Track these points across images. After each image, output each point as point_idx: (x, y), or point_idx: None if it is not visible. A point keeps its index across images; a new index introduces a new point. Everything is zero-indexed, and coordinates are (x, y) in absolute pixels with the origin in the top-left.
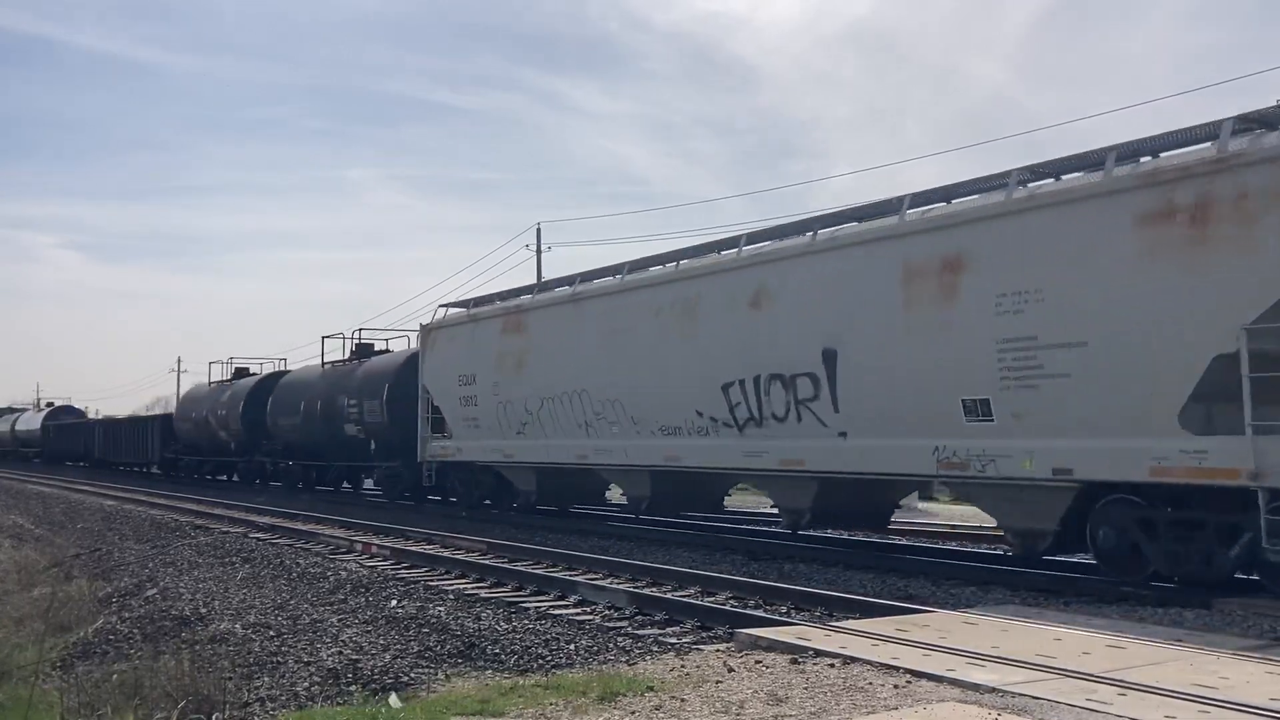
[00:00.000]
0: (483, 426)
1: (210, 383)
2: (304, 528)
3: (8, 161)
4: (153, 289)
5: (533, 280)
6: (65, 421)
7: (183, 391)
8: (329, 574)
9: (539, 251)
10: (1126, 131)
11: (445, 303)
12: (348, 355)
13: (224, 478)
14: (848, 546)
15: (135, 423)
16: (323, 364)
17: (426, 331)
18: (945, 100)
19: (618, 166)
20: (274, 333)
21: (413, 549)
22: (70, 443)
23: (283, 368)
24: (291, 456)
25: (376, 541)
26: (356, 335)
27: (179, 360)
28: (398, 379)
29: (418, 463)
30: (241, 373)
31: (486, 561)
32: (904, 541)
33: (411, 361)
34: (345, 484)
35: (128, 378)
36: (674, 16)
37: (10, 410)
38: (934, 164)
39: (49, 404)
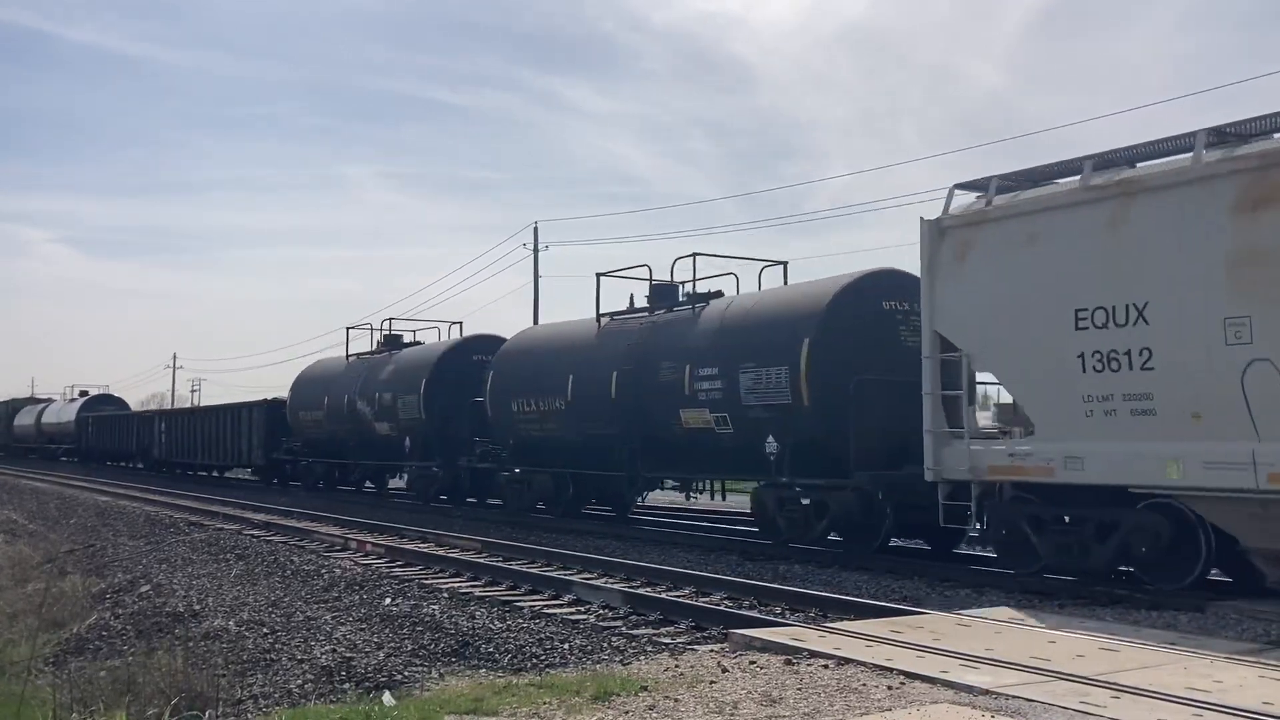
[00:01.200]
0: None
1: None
2: (299, 525)
3: (1, 156)
4: (147, 285)
5: (529, 277)
6: (106, 412)
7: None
8: (323, 571)
9: (536, 250)
10: (1122, 135)
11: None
12: (375, 347)
13: (371, 487)
14: (842, 548)
15: (220, 413)
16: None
17: (943, 232)
18: (941, 102)
19: (614, 166)
20: (271, 330)
21: (407, 547)
22: (115, 438)
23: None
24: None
25: (371, 539)
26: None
27: (174, 356)
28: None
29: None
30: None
31: (481, 560)
32: (899, 543)
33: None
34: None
35: (123, 374)
36: (670, 16)
37: (32, 401)
38: (930, 166)
39: (82, 392)
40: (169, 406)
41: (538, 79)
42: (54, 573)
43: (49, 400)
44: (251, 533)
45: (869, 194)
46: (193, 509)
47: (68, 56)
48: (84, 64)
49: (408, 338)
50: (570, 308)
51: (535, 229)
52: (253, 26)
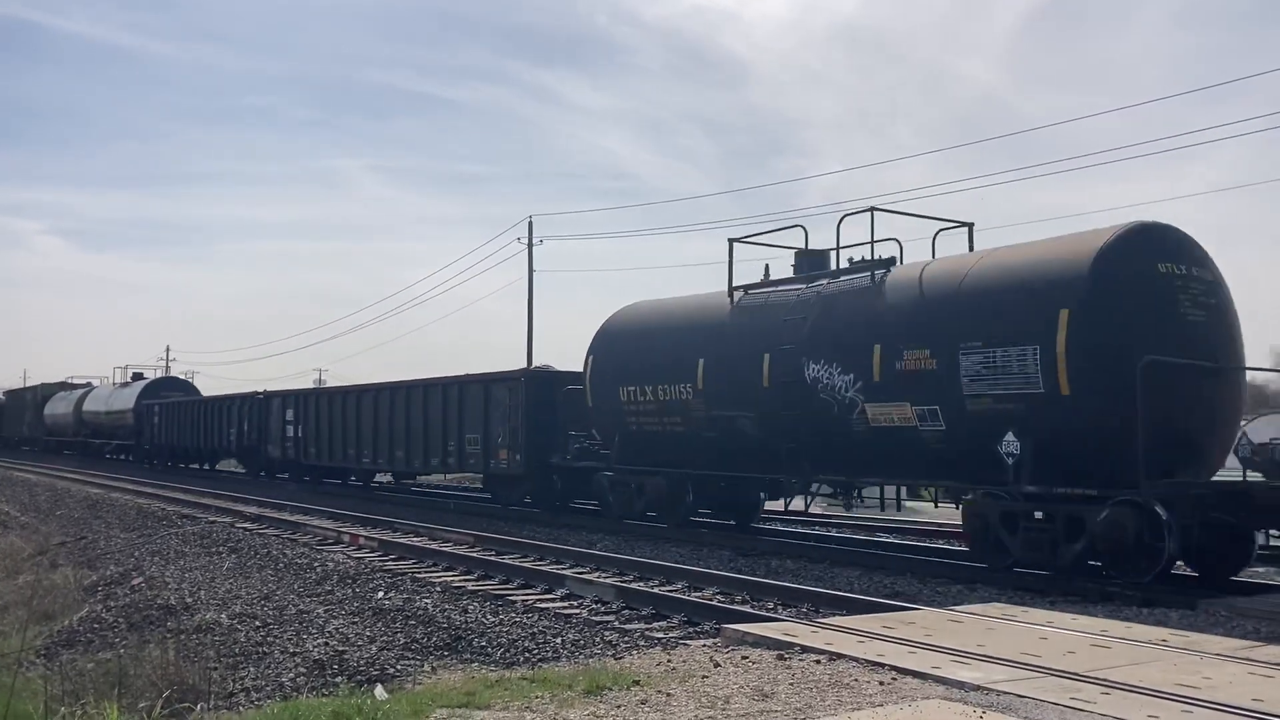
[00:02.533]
0: None
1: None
2: (291, 518)
3: None
4: (140, 277)
5: (523, 272)
6: (174, 399)
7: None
8: (316, 565)
9: (530, 245)
10: (1116, 133)
11: None
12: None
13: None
14: (836, 544)
15: (423, 391)
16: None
17: None
18: (934, 100)
19: (607, 161)
20: (265, 323)
21: (400, 541)
22: (196, 432)
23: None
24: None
25: (364, 533)
26: None
27: (167, 349)
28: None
29: None
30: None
31: (474, 554)
32: (891, 539)
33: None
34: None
35: (114, 367)
36: (663, 11)
37: (66, 386)
38: (923, 164)
39: (136, 374)
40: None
41: (530, 73)
42: (45, 565)
43: (88, 385)
44: (244, 525)
45: (862, 191)
46: (184, 501)
47: (58, 47)
48: (75, 55)
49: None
50: (567, 306)
51: (530, 223)
52: (244, 18)
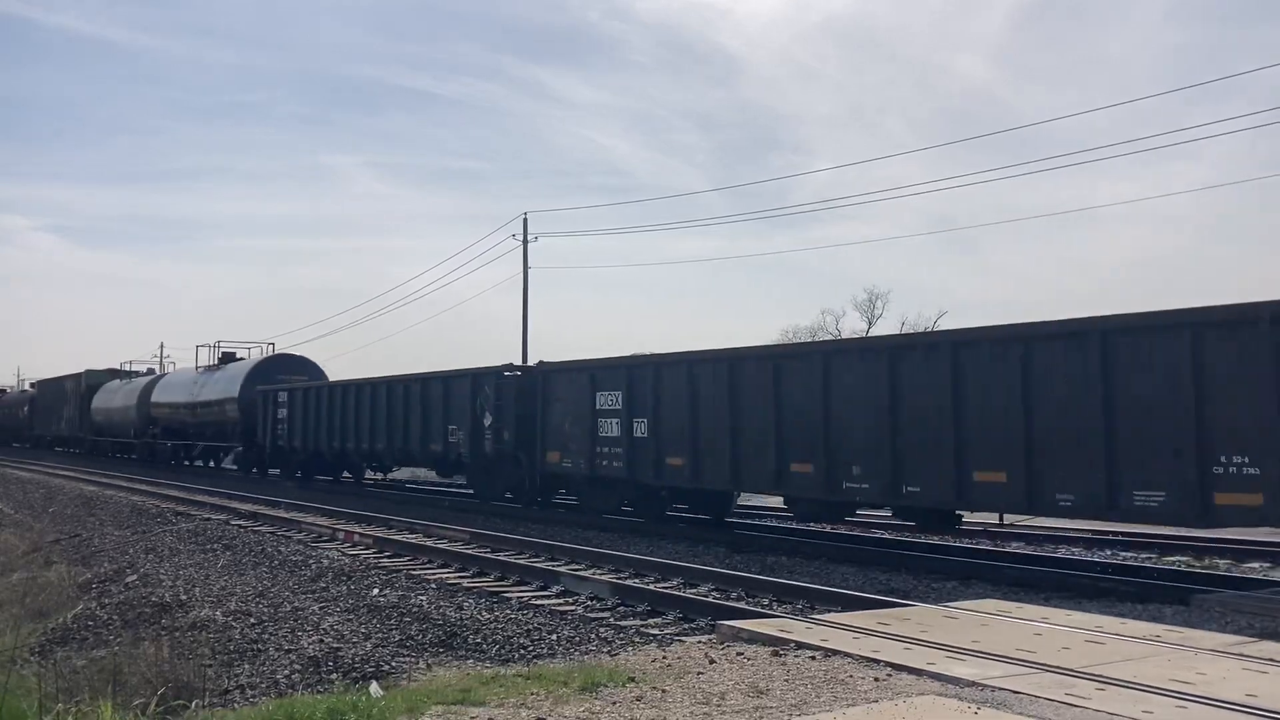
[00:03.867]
0: None
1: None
2: (286, 515)
3: None
4: (133, 273)
5: (517, 268)
6: (298, 384)
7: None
8: (311, 562)
9: (525, 242)
10: (1109, 129)
11: None
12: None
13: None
14: (830, 540)
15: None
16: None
17: None
18: (927, 96)
19: (601, 157)
20: (259, 319)
21: (395, 538)
22: (361, 430)
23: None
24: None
25: (359, 530)
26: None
27: (161, 346)
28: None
29: None
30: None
31: (469, 551)
32: (886, 536)
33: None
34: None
35: (109, 363)
36: (655, 6)
37: (119, 373)
38: (917, 160)
39: (225, 355)
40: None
41: (522, 68)
42: (39, 562)
43: (151, 371)
44: (239, 523)
45: (856, 187)
46: (179, 499)
47: (49, 42)
48: (66, 50)
49: (242, 353)
50: (563, 302)
51: (525, 220)
52: (235, 13)
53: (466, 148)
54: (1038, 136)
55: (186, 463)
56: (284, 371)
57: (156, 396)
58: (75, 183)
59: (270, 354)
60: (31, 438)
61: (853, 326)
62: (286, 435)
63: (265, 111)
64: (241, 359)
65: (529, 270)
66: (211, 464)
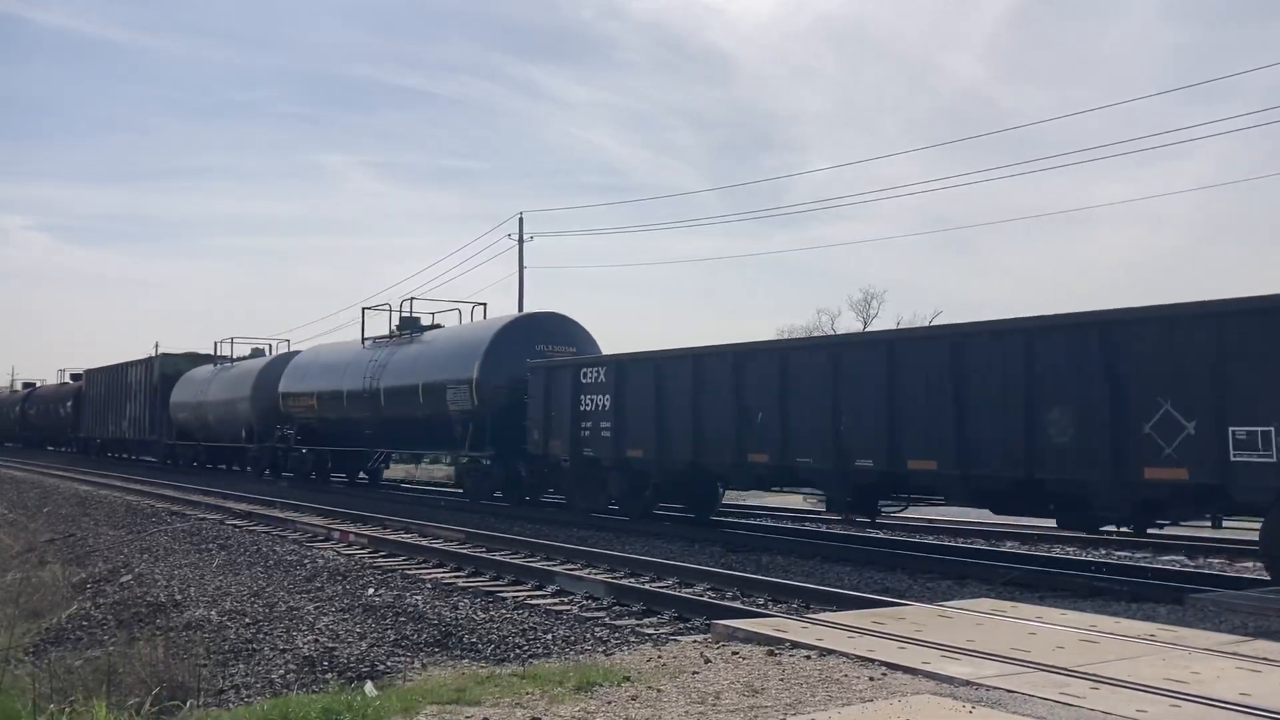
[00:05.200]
0: None
1: None
2: (281, 515)
3: None
4: (128, 272)
5: (513, 268)
6: (561, 358)
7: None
8: (306, 561)
9: (521, 241)
10: (1104, 129)
11: None
12: (391, 330)
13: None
14: (826, 539)
15: None
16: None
17: None
18: (921, 96)
19: (596, 157)
20: (255, 318)
21: (390, 537)
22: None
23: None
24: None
25: (354, 529)
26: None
27: (156, 345)
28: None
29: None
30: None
31: (465, 550)
32: (881, 535)
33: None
34: (362, 475)
35: (105, 361)
36: (649, 4)
37: (203, 358)
38: (913, 160)
39: (406, 319)
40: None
41: (516, 67)
42: (33, 562)
43: (260, 353)
44: (233, 522)
45: (852, 187)
46: (174, 498)
47: (38, 40)
48: (58, 48)
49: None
50: (559, 302)
51: (520, 219)
52: (229, 12)
53: (462, 147)
54: (1033, 137)
55: (362, 479)
56: (541, 338)
57: (290, 384)
58: (69, 181)
59: (521, 314)
60: (77, 441)
61: (848, 326)
62: (612, 440)
63: (260, 110)
64: (438, 326)
65: (524, 270)
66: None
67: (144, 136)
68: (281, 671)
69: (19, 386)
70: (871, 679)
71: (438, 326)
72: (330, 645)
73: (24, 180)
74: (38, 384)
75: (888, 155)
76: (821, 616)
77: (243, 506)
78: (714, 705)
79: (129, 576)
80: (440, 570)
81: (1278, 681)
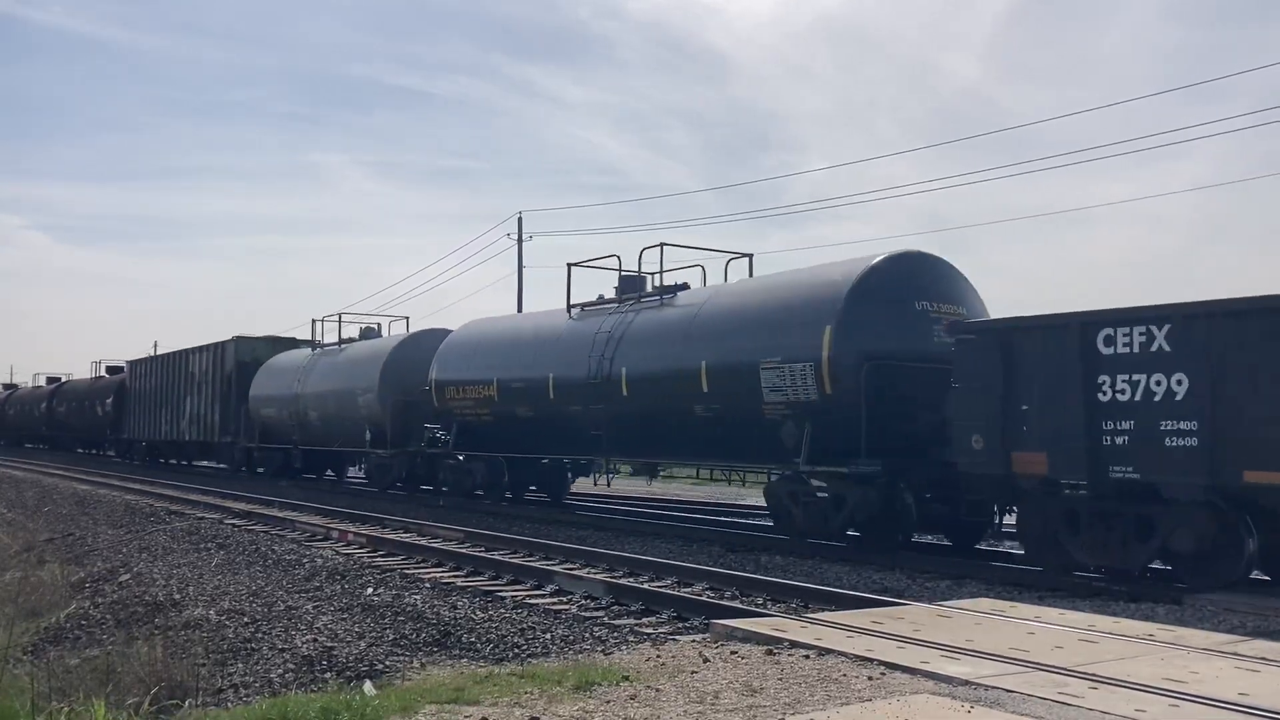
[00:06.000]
0: None
1: None
2: (280, 514)
3: None
4: (125, 272)
5: (511, 267)
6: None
7: None
8: (305, 561)
9: (520, 240)
10: (1102, 129)
11: None
12: (340, 339)
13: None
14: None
15: None
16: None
17: None
18: (918, 95)
19: (593, 156)
20: (254, 318)
21: (389, 537)
22: None
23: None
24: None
25: (353, 529)
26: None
27: (155, 345)
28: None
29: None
30: None
31: (464, 550)
32: None
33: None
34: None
35: (103, 361)
36: (646, 4)
37: (286, 342)
38: (910, 160)
39: (624, 278)
40: None
41: (512, 67)
42: (32, 561)
43: (371, 331)
44: (232, 521)
45: (849, 187)
46: (172, 498)
47: (34, 39)
48: (55, 47)
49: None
50: (559, 300)
51: (520, 219)
52: (225, 10)
53: (459, 146)
54: (1032, 137)
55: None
56: (917, 293)
57: (448, 370)
58: (67, 181)
59: (892, 255)
60: (118, 444)
61: None
62: (1201, 452)
63: (258, 110)
64: (684, 286)
65: (523, 269)
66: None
67: (141, 136)
68: (280, 671)
69: (43, 381)
70: (870, 678)
71: (683, 286)
72: (329, 644)
73: (22, 180)
74: (64, 378)
75: (885, 155)
76: (820, 616)
77: (241, 506)
78: (713, 704)
79: (128, 576)
80: (439, 570)
81: (1276, 681)
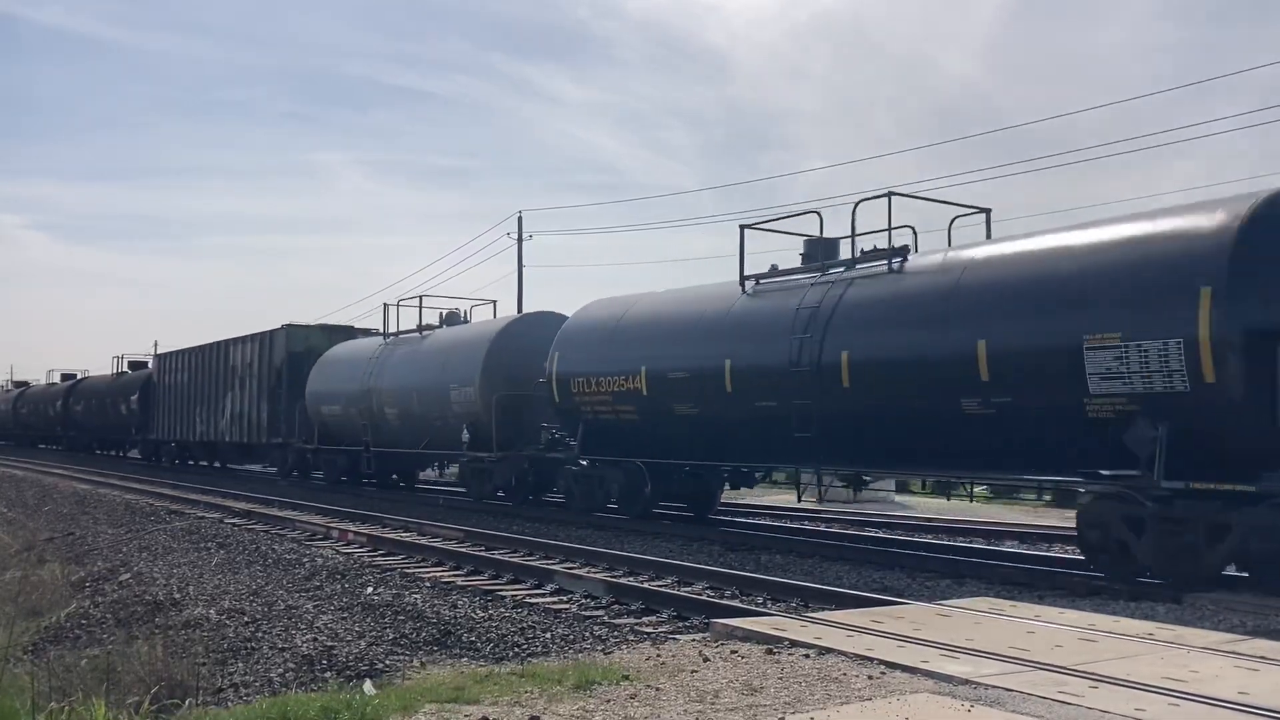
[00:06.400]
0: None
1: None
2: (280, 514)
3: None
4: (124, 271)
5: (510, 267)
6: None
7: None
8: (305, 560)
9: (520, 240)
10: (1100, 128)
11: None
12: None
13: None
14: (825, 538)
15: None
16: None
17: None
18: (915, 94)
19: (591, 156)
20: (253, 317)
21: (389, 536)
22: None
23: None
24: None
25: (353, 528)
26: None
27: (155, 344)
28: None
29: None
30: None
31: (464, 549)
32: (880, 534)
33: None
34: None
35: (104, 361)
36: (643, 3)
37: (339, 330)
38: (908, 158)
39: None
40: None
41: (511, 66)
42: (32, 561)
43: (458, 315)
44: (232, 521)
45: (848, 186)
46: (173, 497)
47: (36, 38)
48: (53, 46)
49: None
50: (556, 301)
51: (520, 218)
52: (223, 9)
53: (457, 145)
54: (1029, 135)
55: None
56: None
57: (574, 361)
58: (64, 180)
59: None
60: (144, 445)
61: None
62: None
63: (254, 108)
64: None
65: (523, 268)
66: None
67: (141, 135)
68: (280, 670)
69: (57, 379)
70: (870, 677)
71: (901, 250)
72: (329, 644)
73: (19, 179)
74: (80, 374)
75: (882, 155)
76: (820, 615)
77: (241, 505)
78: (713, 704)
79: (128, 575)
80: (439, 569)
81: (1276, 680)
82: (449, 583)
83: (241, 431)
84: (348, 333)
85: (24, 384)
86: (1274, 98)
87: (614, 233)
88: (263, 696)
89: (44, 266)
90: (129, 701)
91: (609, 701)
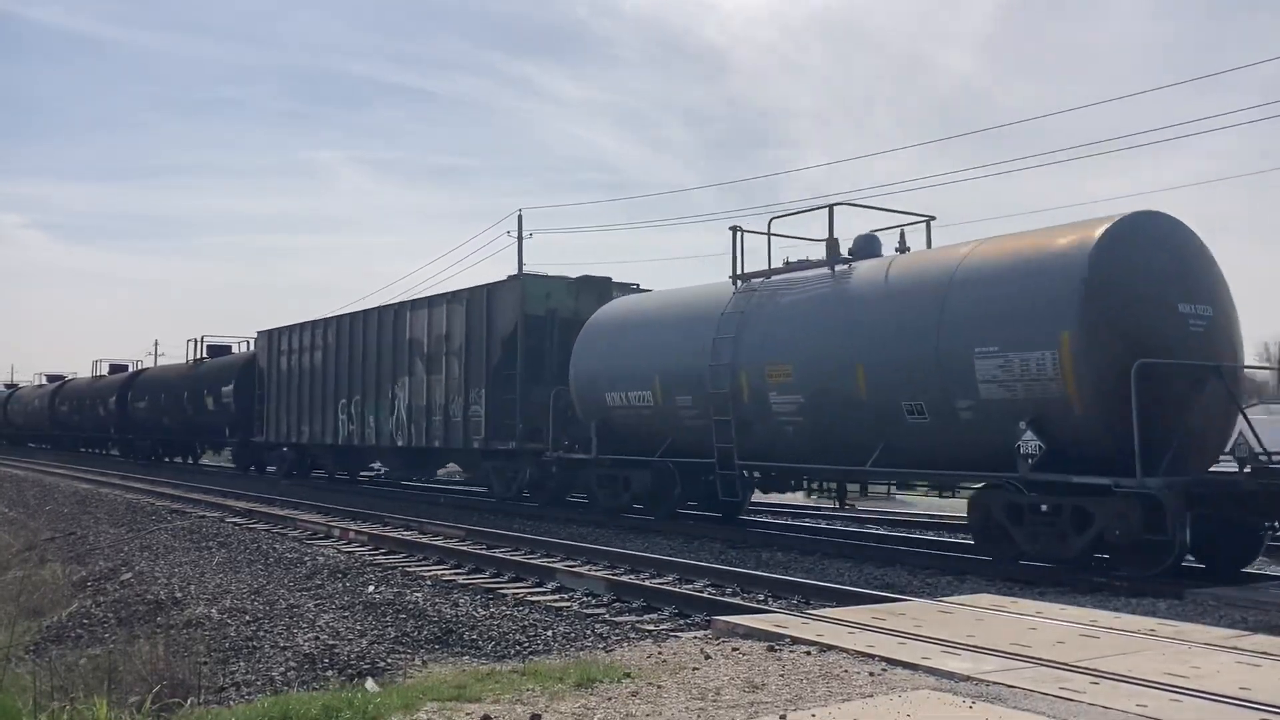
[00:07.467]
0: None
1: None
2: (281, 513)
3: None
4: (124, 270)
5: (509, 265)
6: None
7: None
8: (306, 559)
9: (520, 238)
10: (1099, 124)
11: None
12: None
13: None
14: (826, 535)
15: None
16: None
17: None
18: (913, 91)
19: (590, 154)
20: (253, 317)
21: (390, 534)
22: None
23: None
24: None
25: (355, 527)
26: None
27: (156, 344)
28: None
29: None
30: None
31: (465, 548)
32: (881, 531)
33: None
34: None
35: (101, 360)
36: (643, 1)
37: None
38: (905, 156)
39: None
40: None
41: (510, 64)
42: (34, 560)
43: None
44: (234, 520)
45: (847, 183)
46: (174, 496)
47: (35, 38)
48: (52, 46)
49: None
50: None
51: (520, 217)
52: (221, 8)
53: (456, 144)
54: (1028, 131)
55: None
56: None
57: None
58: (62, 179)
59: None
60: (243, 453)
61: None
62: None
63: (252, 107)
64: None
65: (523, 267)
66: None
67: (140, 134)
68: (282, 669)
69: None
70: (871, 674)
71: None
72: (330, 643)
73: (18, 178)
74: (129, 366)
75: (882, 152)
76: (822, 612)
77: (242, 504)
78: (714, 701)
79: (129, 574)
80: (440, 567)
81: (1278, 675)
82: (450, 581)
83: (425, 433)
84: (600, 286)
85: (59, 378)
86: (1274, 93)
87: (612, 230)
88: (264, 695)
89: (44, 266)
90: (130, 701)
91: (610, 699)
